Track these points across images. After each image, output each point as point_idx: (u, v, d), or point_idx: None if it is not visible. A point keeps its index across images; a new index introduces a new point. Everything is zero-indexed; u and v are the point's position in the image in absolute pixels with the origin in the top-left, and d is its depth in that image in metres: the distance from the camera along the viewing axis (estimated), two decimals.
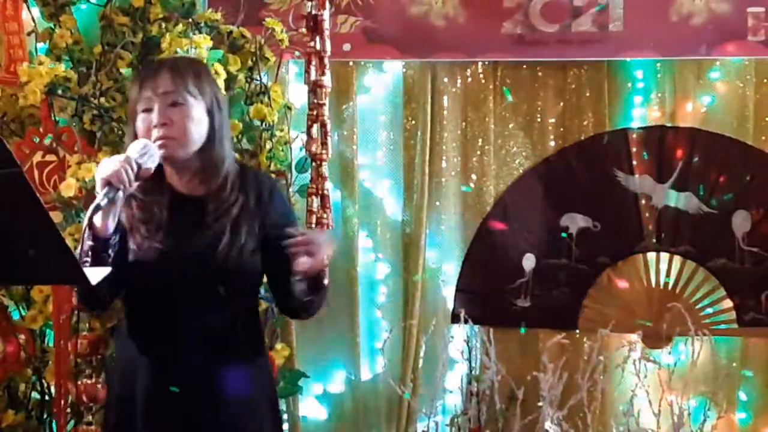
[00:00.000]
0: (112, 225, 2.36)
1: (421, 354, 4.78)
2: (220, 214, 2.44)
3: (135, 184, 2.36)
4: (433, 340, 4.68)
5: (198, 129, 2.45)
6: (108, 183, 2.31)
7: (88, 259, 2.32)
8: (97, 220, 2.34)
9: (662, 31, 4.67)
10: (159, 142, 2.40)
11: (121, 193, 2.33)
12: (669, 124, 4.80)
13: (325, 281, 2.46)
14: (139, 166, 2.35)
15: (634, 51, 4.74)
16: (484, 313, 4.76)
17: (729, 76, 4.76)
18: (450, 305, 4.84)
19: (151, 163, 2.39)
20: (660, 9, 4.67)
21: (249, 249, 2.44)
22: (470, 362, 4.70)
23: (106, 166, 2.33)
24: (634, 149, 4.77)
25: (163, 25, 3.73)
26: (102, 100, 3.64)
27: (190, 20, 3.73)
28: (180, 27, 3.65)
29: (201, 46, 3.51)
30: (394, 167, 4.94)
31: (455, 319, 4.76)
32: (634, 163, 4.76)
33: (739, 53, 4.68)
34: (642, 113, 4.83)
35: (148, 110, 2.43)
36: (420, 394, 4.76)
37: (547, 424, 4.38)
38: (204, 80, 2.50)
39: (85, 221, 2.33)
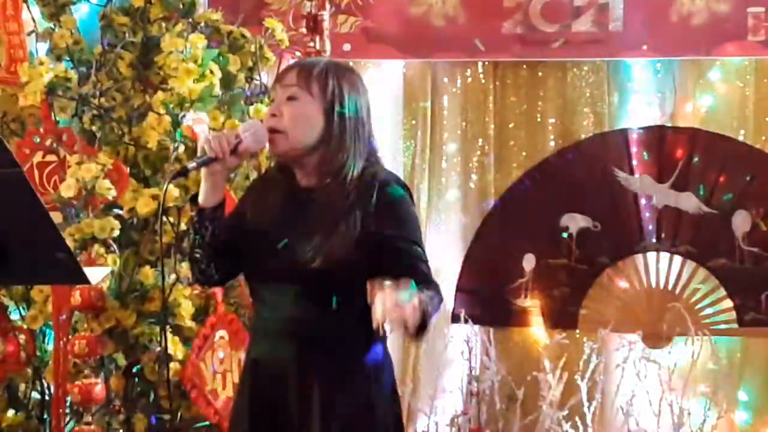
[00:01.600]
0: (209, 196, 2.43)
1: (421, 354, 4.78)
2: (326, 210, 2.42)
3: (233, 158, 2.41)
4: (433, 340, 4.69)
5: (308, 126, 2.43)
6: (203, 150, 2.39)
7: (191, 229, 2.49)
8: (200, 191, 2.45)
9: (662, 31, 4.67)
10: (269, 136, 2.44)
11: (217, 164, 2.39)
12: (669, 124, 4.80)
13: (425, 328, 2.27)
14: (239, 141, 2.40)
15: (634, 51, 4.74)
16: (484, 313, 4.76)
17: (729, 76, 4.76)
18: (450, 305, 4.84)
19: (253, 143, 2.43)
20: (660, 9, 4.67)
21: (341, 247, 2.39)
22: (470, 362, 4.70)
23: (210, 134, 2.44)
24: (634, 149, 4.77)
25: (163, 25, 3.73)
26: (102, 100, 3.63)
27: (190, 20, 3.73)
28: (180, 27, 3.65)
29: (196, 44, 3.51)
30: (394, 167, 4.93)
31: (455, 319, 4.76)
32: (635, 163, 4.76)
33: (739, 53, 4.68)
34: (642, 113, 4.83)
35: (273, 100, 2.49)
36: (420, 394, 4.76)
37: (547, 425, 4.38)
38: (330, 81, 2.46)
39: (166, 183, 2.46)
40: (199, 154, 2.41)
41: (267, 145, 2.45)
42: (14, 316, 3.67)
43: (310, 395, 2.39)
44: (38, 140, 3.62)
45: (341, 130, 2.45)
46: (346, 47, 4.75)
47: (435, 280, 2.41)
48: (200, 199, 2.45)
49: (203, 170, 2.41)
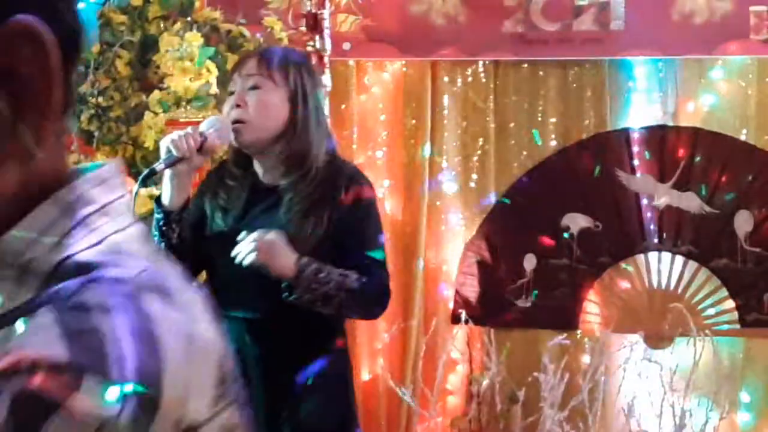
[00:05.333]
0: (175, 198, 2.38)
1: (421, 354, 4.76)
2: (293, 205, 2.38)
3: (199, 157, 2.36)
4: (433, 341, 4.67)
5: (273, 115, 2.40)
6: (169, 150, 2.34)
7: (156, 232, 2.40)
8: (164, 193, 2.39)
9: (664, 29, 4.65)
10: (233, 126, 2.39)
11: (183, 164, 2.34)
12: (671, 124, 4.78)
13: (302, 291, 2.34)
14: (205, 138, 2.35)
15: (635, 50, 4.71)
16: (484, 314, 4.74)
17: (731, 75, 4.74)
18: (450, 305, 4.82)
19: (218, 139, 2.38)
20: (661, 8, 4.65)
21: (312, 243, 2.36)
22: (470, 363, 4.68)
23: (174, 133, 2.36)
24: (636, 149, 4.75)
25: (162, 23, 3.71)
26: (100, 99, 3.62)
27: (189, 19, 3.71)
28: (178, 25, 3.63)
29: (192, 43, 3.49)
30: (394, 167, 4.91)
31: (455, 319, 4.74)
32: (636, 162, 4.74)
33: (741, 52, 4.66)
34: (643, 113, 4.81)
35: (233, 92, 2.43)
36: (420, 395, 4.73)
37: (548, 426, 4.36)
38: (291, 69, 2.44)
39: (137, 185, 2.38)
40: (163, 154, 2.35)
41: (232, 138, 2.41)
42: None
43: (269, 397, 2.37)
44: None
45: (305, 117, 2.42)
46: (346, 46, 4.73)
47: (387, 285, 2.48)
48: (165, 201, 2.39)
49: (167, 172, 2.36)
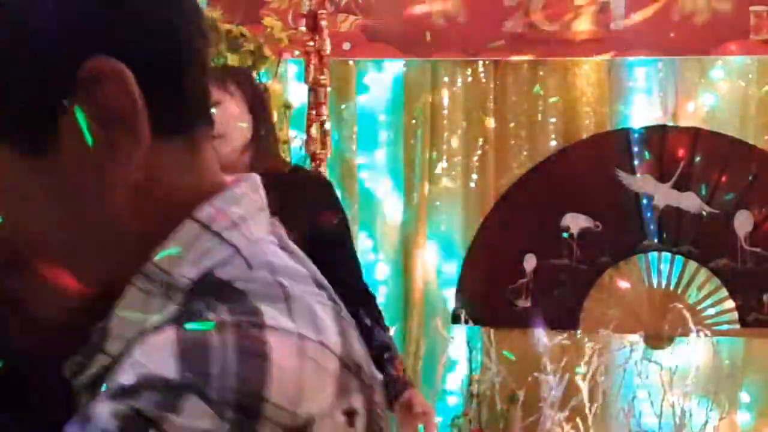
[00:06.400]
0: None
1: (421, 354, 4.76)
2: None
3: None
4: (433, 341, 4.67)
5: (239, 125, 2.42)
6: None
7: None
8: None
9: (664, 29, 4.65)
10: None
11: None
12: (671, 124, 4.78)
13: None
14: None
15: (635, 50, 4.71)
16: (484, 314, 4.74)
17: (731, 75, 4.74)
18: (450, 305, 4.82)
19: None
20: (662, 8, 4.65)
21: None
22: (470, 363, 4.68)
23: None
24: (636, 149, 4.75)
25: None
26: None
27: None
28: None
29: None
30: (394, 167, 4.91)
31: (455, 319, 4.74)
32: (636, 162, 4.74)
33: (741, 52, 4.66)
34: (643, 113, 4.81)
35: None
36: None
37: (548, 426, 4.36)
38: (243, 80, 2.48)
39: None
40: None
41: None
42: None
43: None
44: None
45: (267, 127, 2.45)
46: (346, 46, 4.73)
47: (371, 291, 2.62)
48: None
49: None
